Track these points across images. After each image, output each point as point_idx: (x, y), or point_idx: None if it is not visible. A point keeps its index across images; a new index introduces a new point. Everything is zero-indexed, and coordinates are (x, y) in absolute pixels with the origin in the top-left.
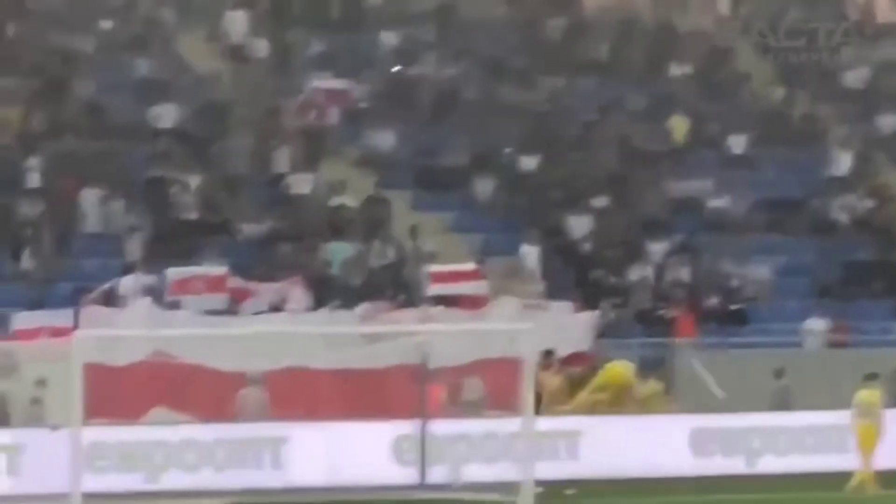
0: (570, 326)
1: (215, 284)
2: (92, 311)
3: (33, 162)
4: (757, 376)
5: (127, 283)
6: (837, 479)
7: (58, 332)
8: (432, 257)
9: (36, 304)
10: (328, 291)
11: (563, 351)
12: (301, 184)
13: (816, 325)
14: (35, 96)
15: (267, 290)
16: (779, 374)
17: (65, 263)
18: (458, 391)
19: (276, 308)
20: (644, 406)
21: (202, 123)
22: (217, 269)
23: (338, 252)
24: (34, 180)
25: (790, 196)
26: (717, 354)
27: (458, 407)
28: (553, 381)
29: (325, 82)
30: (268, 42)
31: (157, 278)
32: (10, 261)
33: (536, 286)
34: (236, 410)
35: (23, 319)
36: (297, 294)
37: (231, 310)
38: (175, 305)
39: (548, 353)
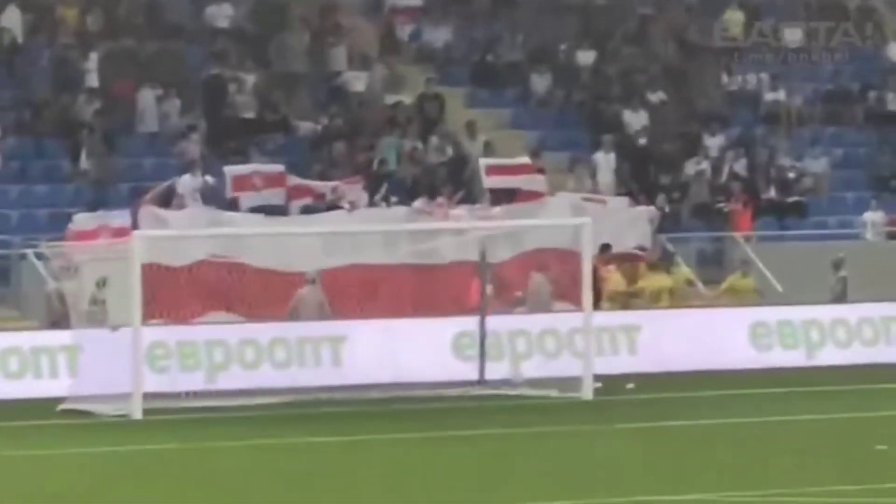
0: (628, 221)
1: (273, 181)
2: (149, 211)
3: (91, 62)
4: (815, 269)
5: (185, 182)
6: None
7: (116, 233)
8: (489, 153)
9: (94, 205)
10: (385, 188)
11: (620, 245)
12: (357, 81)
13: (874, 216)
14: None
15: (324, 188)
16: (837, 265)
17: (122, 163)
18: (517, 286)
19: (333, 206)
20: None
21: (258, 21)
22: (274, 167)
23: (390, 148)
24: (92, 80)
25: (847, 88)
26: (775, 247)
27: (518, 302)
28: (612, 275)
29: None
30: None
31: (214, 177)
32: (69, 161)
33: (594, 182)
34: (293, 310)
35: (81, 220)
36: (354, 191)
37: (287, 208)
38: (233, 203)
39: (605, 247)
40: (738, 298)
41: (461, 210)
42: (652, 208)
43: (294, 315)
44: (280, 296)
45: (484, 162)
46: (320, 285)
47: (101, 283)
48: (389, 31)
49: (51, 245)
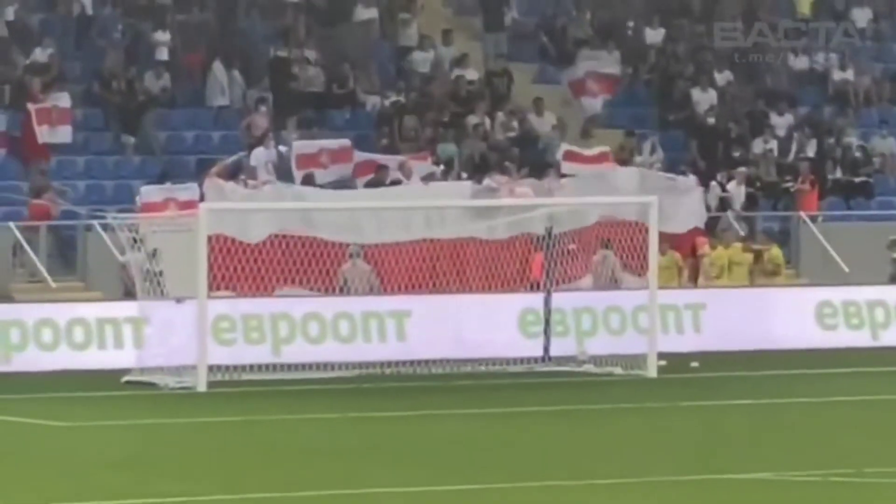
0: (694, 199)
1: (341, 156)
2: (216, 184)
3: (161, 35)
4: (881, 249)
5: (258, 154)
6: None
7: (183, 206)
8: (558, 132)
9: (160, 178)
10: (451, 163)
11: (687, 223)
12: (425, 57)
13: None
14: None
15: (391, 163)
16: (892, 246)
17: (189, 136)
18: (585, 263)
19: (399, 181)
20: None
21: None
22: (342, 142)
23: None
24: (162, 53)
25: None
26: (841, 227)
27: (586, 278)
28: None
29: None
30: None
31: (282, 151)
32: (138, 133)
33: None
34: (342, 284)
35: (149, 192)
36: (422, 167)
37: (354, 183)
38: (307, 179)
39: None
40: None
41: (526, 187)
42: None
43: (342, 288)
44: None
45: (564, 147)
46: (362, 259)
47: (153, 256)
48: (459, 8)
49: (117, 216)
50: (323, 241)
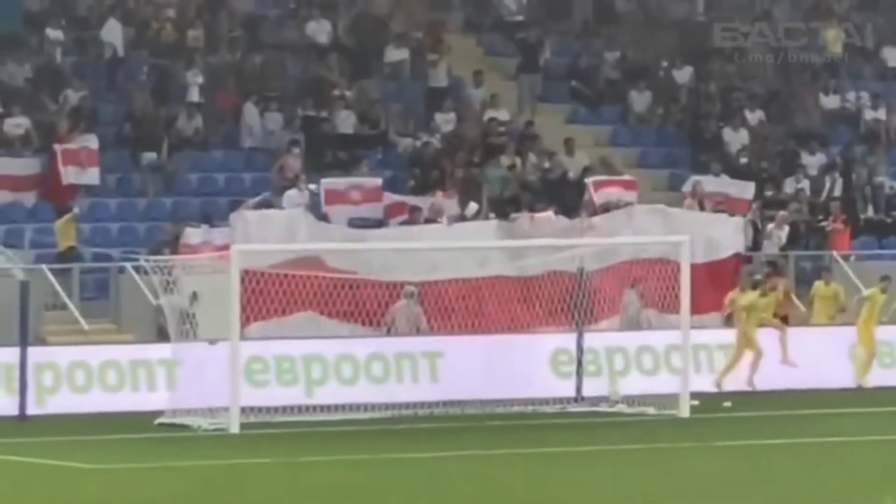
0: (730, 228)
1: (371, 195)
2: (247, 222)
3: (193, 76)
4: None
5: (290, 196)
6: None
7: (219, 248)
8: (588, 170)
9: (192, 219)
10: (483, 203)
11: (726, 250)
12: (457, 97)
13: None
14: (194, 10)
15: (422, 202)
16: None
17: (222, 178)
18: (617, 302)
19: (431, 220)
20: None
21: (359, 36)
22: (372, 181)
23: (495, 180)
24: (193, 94)
25: None
26: (874, 266)
27: (617, 318)
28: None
29: None
30: None
31: (313, 189)
32: (166, 174)
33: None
34: (389, 322)
35: (187, 235)
36: (450, 205)
37: (385, 221)
38: (333, 217)
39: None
40: (824, 306)
41: (547, 213)
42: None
43: (389, 327)
44: (377, 307)
45: (590, 180)
46: (417, 299)
47: (194, 298)
48: (489, 48)
49: (150, 259)
50: (356, 278)
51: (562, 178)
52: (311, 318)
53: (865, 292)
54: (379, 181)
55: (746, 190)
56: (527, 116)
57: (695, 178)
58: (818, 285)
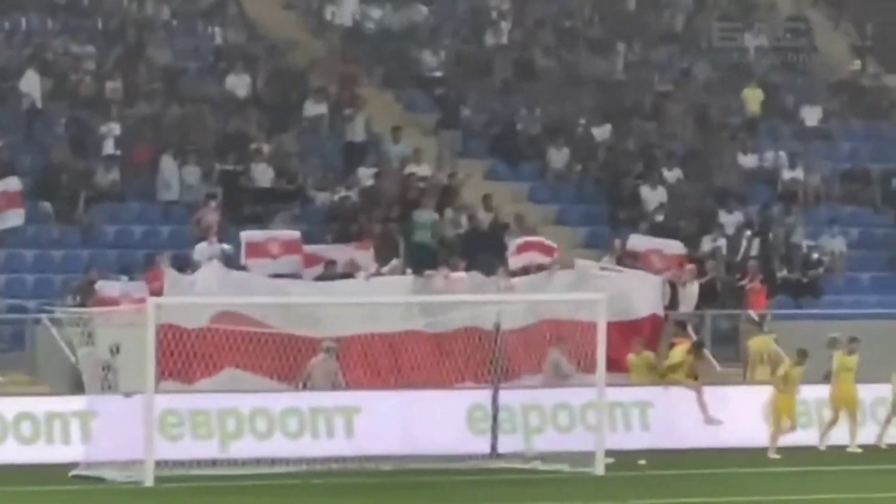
0: (642, 291)
1: (289, 248)
2: (163, 276)
3: (109, 128)
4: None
5: (201, 249)
6: None
7: (136, 300)
8: (505, 226)
9: (114, 270)
10: (397, 257)
11: (634, 313)
12: (374, 151)
13: None
14: (113, 62)
15: (338, 255)
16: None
17: (139, 231)
18: (531, 358)
19: (348, 274)
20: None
21: (278, 91)
22: (291, 233)
23: (422, 220)
24: (109, 147)
25: (864, 168)
26: (790, 326)
27: (534, 375)
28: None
29: None
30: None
31: (225, 249)
32: (83, 227)
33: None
34: (306, 377)
35: (104, 287)
36: (365, 257)
37: (302, 276)
38: (253, 269)
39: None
40: (788, 386)
41: (461, 273)
42: (665, 276)
43: (306, 382)
44: (293, 361)
45: (513, 243)
46: (335, 355)
47: (115, 350)
48: (408, 103)
49: (68, 310)
50: (275, 331)
51: (479, 233)
52: (235, 375)
53: (783, 368)
54: (297, 234)
55: (677, 247)
56: (448, 171)
57: (633, 235)
58: (838, 356)
